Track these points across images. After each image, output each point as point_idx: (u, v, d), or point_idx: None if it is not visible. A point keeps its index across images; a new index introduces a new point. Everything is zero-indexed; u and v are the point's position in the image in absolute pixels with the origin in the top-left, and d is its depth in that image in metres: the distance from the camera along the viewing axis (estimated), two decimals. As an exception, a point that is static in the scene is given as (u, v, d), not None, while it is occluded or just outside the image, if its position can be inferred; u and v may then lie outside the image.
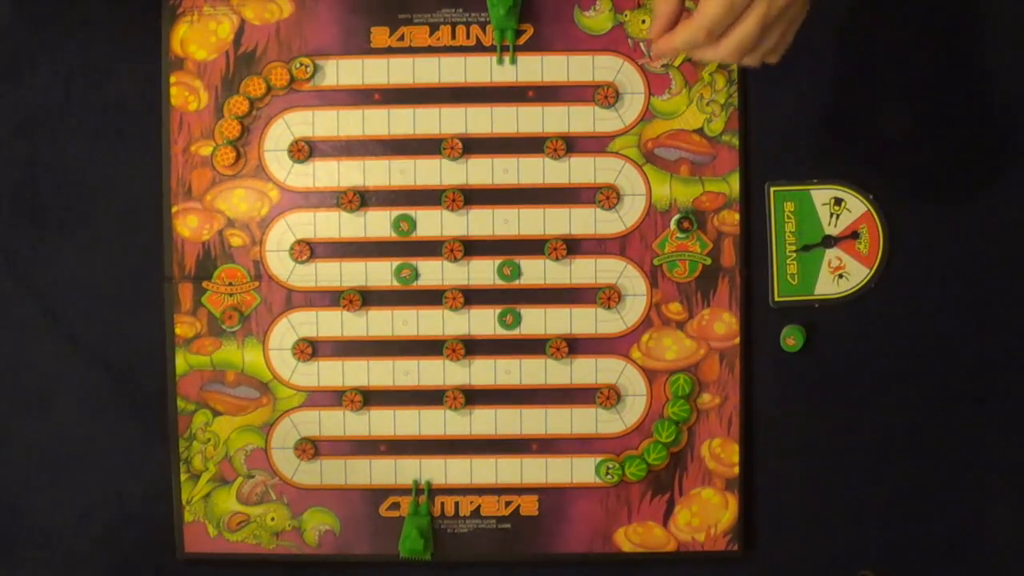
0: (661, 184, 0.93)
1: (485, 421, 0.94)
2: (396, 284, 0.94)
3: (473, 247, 0.94)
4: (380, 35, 0.94)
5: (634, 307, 0.94)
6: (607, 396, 0.94)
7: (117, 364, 0.95)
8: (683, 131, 0.93)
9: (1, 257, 0.95)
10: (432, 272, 0.94)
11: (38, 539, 0.96)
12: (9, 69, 0.95)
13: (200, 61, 0.94)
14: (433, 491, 0.95)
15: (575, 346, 0.94)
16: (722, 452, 0.94)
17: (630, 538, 0.95)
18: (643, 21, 0.93)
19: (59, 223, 0.95)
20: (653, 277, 0.94)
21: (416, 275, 0.94)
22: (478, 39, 0.94)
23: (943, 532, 0.95)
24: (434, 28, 0.93)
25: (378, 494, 0.95)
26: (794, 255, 0.93)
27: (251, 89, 0.93)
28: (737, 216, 0.93)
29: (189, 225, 0.94)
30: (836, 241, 0.94)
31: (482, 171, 0.94)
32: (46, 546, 0.96)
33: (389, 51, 0.94)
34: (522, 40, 0.93)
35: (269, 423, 0.95)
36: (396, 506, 0.95)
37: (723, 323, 0.94)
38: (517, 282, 0.94)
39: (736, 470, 0.94)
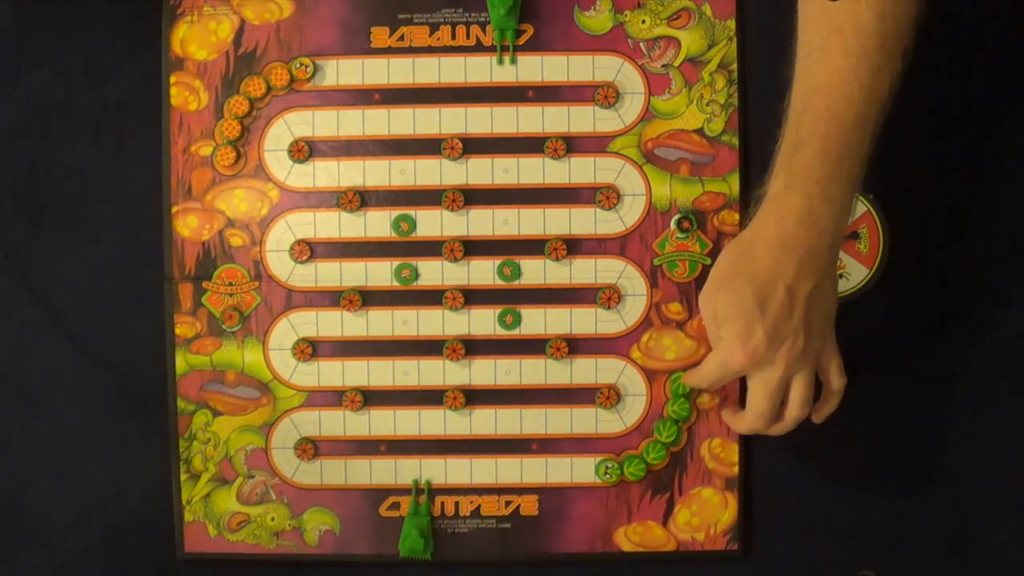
0: (661, 184, 0.94)
1: (485, 421, 0.94)
2: (396, 284, 0.94)
3: (473, 247, 0.94)
4: (380, 35, 0.94)
5: (634, 307, 0.94)
6: (607, 396, 0.94)
7: (117, 364, 0.95)
8: (683, 131, 0.93)
9: (1, 257, 0.95)
10: (432, 272, 0.94)
11: (38, 539, 0.96)
12: (9, 69, 0.95)
13: (200, 61, 0.94)
14: (433, 491, 0.95)
15: (575, 346, 0.94)
16: (722, 452, 0.94)
17: (630, 538, 0.95)
18: (643, 21, 0.93)
19: (59, 223, 0.95)
20: (653, 277, 0.94)
21: (416, 275, 0.94)
22: (478, 39, 0.94)
23: (943, 532, 0.95)
24: (434, 28, 0.93)
25: (378, 494, 0.95)
26: (794, 255, 0.93)
27: (251, 89, 0.93)
28: (737, 216, 0.93)
29: (189, 225, 0.94)
30: (836, 241, 0.94)
31: (482, 171, 0.94)
32: (46, 546, 0.96)
33: (389, 51, 0.94)
34: (522, 40, 0.93)
35: (269, 423, 0.95)
36: (396, 506, 0.95)
37: (723, 323, 0.93)
38: (517, 282, 0.94)
39: (736, 470, 0.94)
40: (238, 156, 0.94)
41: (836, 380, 0.86)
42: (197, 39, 0.94)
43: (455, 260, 0.94)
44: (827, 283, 0.82)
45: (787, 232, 0.80)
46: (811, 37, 0.81)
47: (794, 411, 0.85)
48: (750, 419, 0.85)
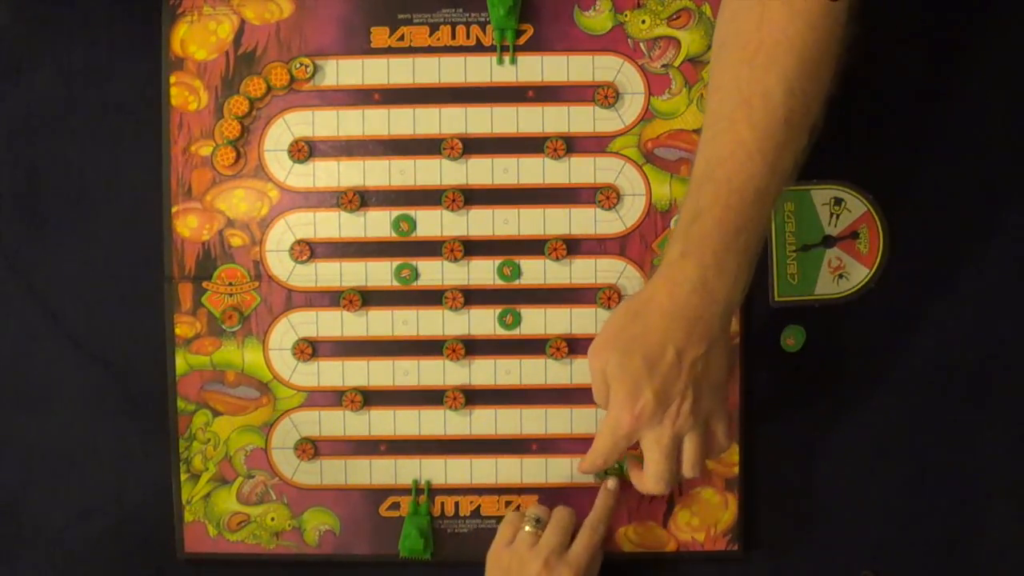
0: (661, 184, 0.94)
1: (485, 421, 0.94)
2: (396, 284, 0.94)
3: (473, 247, 0.94)
4: (380, 35, 0.94)
5: (634, 307, 0.94)
6: (607, 396, 0.94)
7: (117, 364, 0.95)
8: (683, 131, 0.93)
9: (1, 257, 0.95)
10: (432, 272, 0.94)
11: (38, 539, 0.96)
12: (9, 69, 0.95)
13: (200, 61, 0.94)
14: (433, 491, 0.95)
15: (575, 346, 0.94)
16: (722, 452, 0.94)
17: (630, 538, 0.95)
18: (643, 21, 0.93)
19: (59, 223, 0.95)
20: (653, 277, 0.94)
21: (416, 275, 0.94)
22: (478, 39, 0.94)
23: (943, 532, 0.95)
24: (434, 28, 0.93)
25: (378, 494, 0.95)
26: (794, 255, 0.93)
27: (251, 89, 0.93)
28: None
29: (189, 225, 0.94)
30: (836, 241, 0.94)
31: (482, 171, 0.94)
32: (46, 546, 0.96)
33: (389, 51, 0.94)
34: (522, 40, 0.93)
35: (269, 423, 0.95)
36: (396, 506, 0.95)
37: (723, 323, 0.93)
38: (517, 282, 0.94)
39: (736, 470, 0.94)
40: (238, 156, 0.94)
41: (722, 442, 0.86)
42: (197, 39, 0.94)
43: (455, 260, 0.94)
44: (718, 349, 0.81)
45: (679, 300, 0.79)
46: (718, 106, 0.80)
47: (684, 470, 0.85)
48: (650, 482, 0.85)
